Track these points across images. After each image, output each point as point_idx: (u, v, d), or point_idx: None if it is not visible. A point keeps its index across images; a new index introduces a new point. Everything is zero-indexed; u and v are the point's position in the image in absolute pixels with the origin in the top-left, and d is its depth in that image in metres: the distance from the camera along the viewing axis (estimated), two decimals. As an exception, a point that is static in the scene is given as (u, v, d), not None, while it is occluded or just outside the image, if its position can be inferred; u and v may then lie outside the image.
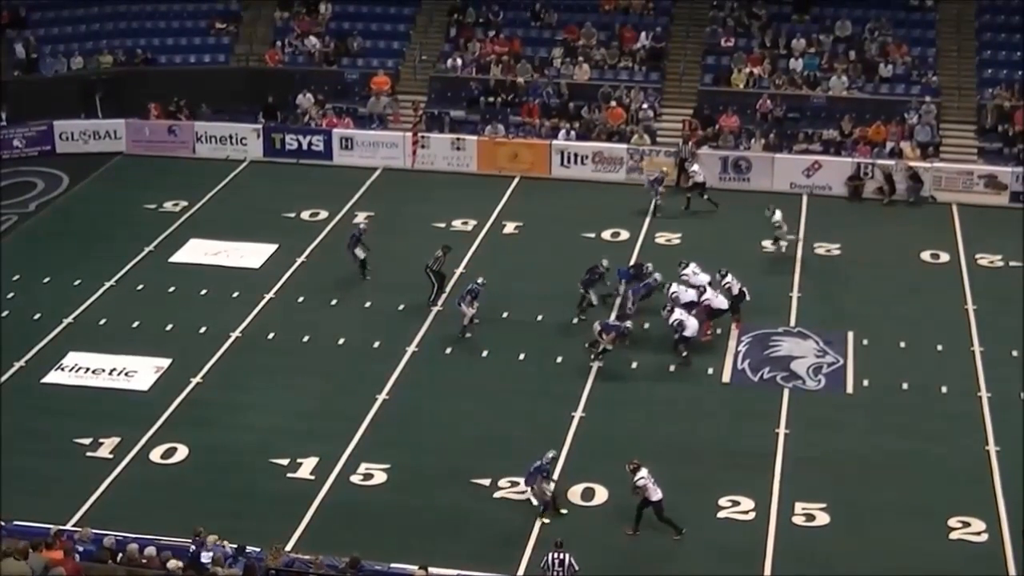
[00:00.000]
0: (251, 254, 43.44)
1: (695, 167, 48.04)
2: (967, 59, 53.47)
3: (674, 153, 49.89)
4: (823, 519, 30.09)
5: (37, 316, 39.03)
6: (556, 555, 26.78)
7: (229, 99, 53.95)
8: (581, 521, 29.76)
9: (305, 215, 46.53)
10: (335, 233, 44.98)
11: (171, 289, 41.04)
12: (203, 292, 40.75)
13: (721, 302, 37.91)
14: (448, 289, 40.35)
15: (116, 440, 33.01)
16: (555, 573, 26.68)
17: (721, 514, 30.33)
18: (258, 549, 26.44)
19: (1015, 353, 36.99)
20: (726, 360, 36.89)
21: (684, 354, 36.42)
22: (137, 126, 52.90)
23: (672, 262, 41.57)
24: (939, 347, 37.01)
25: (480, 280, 38.45)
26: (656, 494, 29.15)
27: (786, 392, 35.37)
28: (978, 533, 29.60)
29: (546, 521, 29.93)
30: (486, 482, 31.34)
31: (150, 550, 25.84)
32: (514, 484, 31.16)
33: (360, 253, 40.94)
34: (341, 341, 37.83)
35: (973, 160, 49.71)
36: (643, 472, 29.28)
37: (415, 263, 40.30)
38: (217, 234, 44.64)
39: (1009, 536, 29.37)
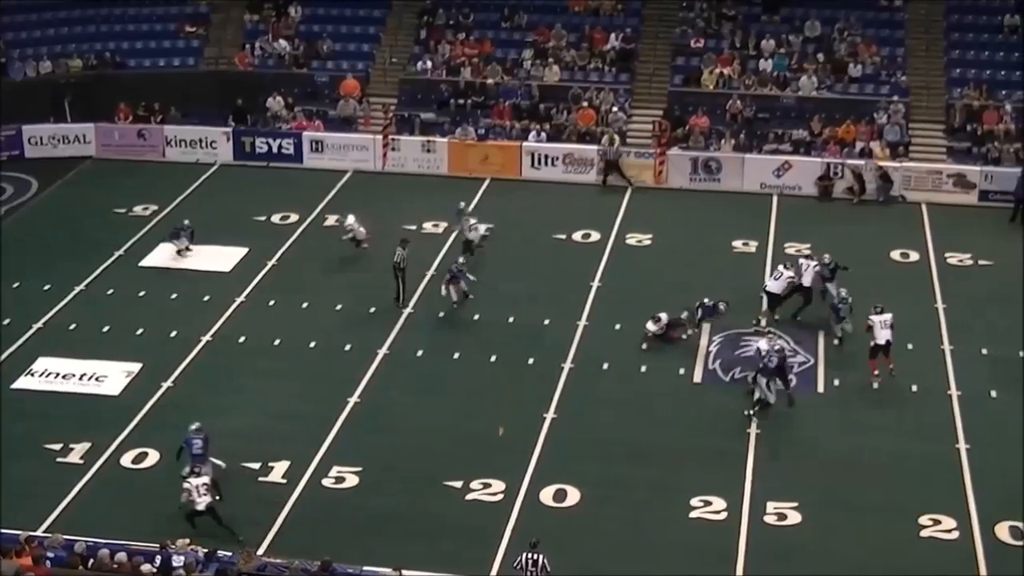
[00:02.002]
0: (221, 257, 43.32)
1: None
2: (936, 59, 53.71)
3: (600, 154, 50.00)
4: (795, 518, 30.13)
5: (6, 322, 38.85)
6: (530, 555, 26.76)
7: (199, 102, 53.80)
8: (554, 522, 29.75)
9: (276, 218, 46.45)
10: (306, 236, 45.00)
11: (141, 293, 40.92)
12: (173, 296, 40.64)
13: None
14: (418, 289, 40.38)
15: (87, 445, 32.86)
16: (528, 573, 26.68)
17: (693, 514, 30.32)
18: (230, 553, 26.38)
19: (985, 351, 37.14)
20: (697, 360, 36.92)
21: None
22: (107, 130, 52.74)
23: (643, 263, 41.81)
24: (909, 346, 37.09)
25: (460, 260, 39.66)
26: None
27: (757, 391, 35.40)
28: (949, 531, 29.68)
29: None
30: (458, 484, 31.30)
31: (121, 556, 25.78)
32: (486, 486, 31.16)
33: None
34: (312, 344, 37.77)
35: (942, 159, 49.91)
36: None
37: (385, 266, 40.26)
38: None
39: (979, 533, 29.47)
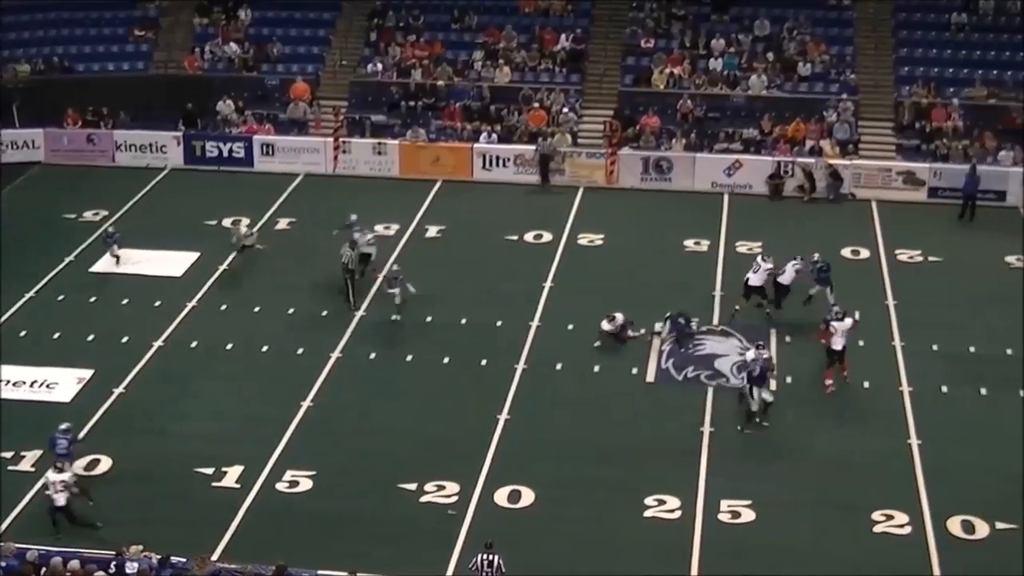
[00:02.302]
0: (173, 262, 43.14)
1: None
2: (884, 57, 54.03)
3: (536, 149, 50.21)
4: (749, 516, 30.24)
5: (-43, 328, 38.66)
6: (485, 556, 26.78)
7: (148, 107, 53.56)
8: (508, 524, 29.76)
9: (227, 222, 46.20)
10: (257, 239, 44.75)
11: (92, 299, 40.71)
12: (124, 301, 40.44)
13: None
14: (370, 292, 40.38)
15: (38, 453, 32.58)
16: (484, 574, 26.72)
17: (648, 513, 30.41)
18: (184, 559, 26.29)
19: (935, 347, 37.37)
20: (650, 359, 37.02)
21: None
22: (55, 135, 52.43)
23: (596, 263, 41.96)
24: (860, 343, 37.25)
25: (395, 267, 39.83)
26: None
27: (710, 390, 35.56)
28: (901, 526, 29.87)
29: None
30: (412, 486, 31.27)
31: (74, 563, 25.73)
32: (440, 488, 31.15)
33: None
34: (265, 348, 37.67)
35: (891, 157, 50.20)
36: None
37: (337, 269, 40.20)
38: (138, 243, 44.17)
39: (932, 528, 29.66)
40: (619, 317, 37.65)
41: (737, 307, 38.87)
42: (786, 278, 38.81)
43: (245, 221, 43.59)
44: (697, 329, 38.14)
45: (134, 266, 42.84)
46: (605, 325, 37.62)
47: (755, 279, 38.79)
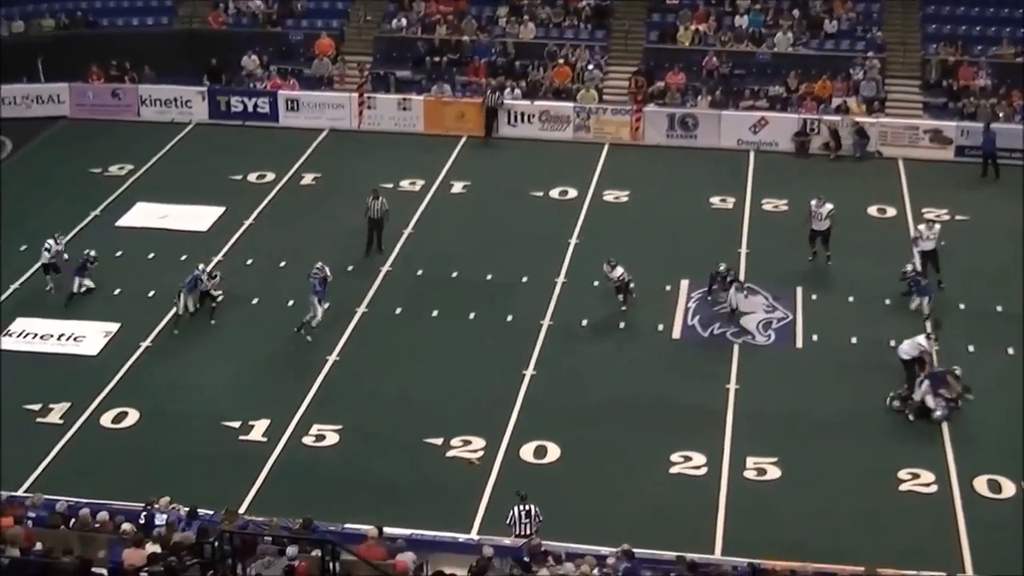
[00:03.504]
0: (198, 217, 43.19)
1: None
2: (911, 14, 53.69)
3: (482, 101, 50.32)
4: (775, 473, 30.27)
5: (-18, 283, 38.75)
6: (522, 507, 26.84)
7: (173, 61, 53.49)
8: (535, 479, 29.78)
9: (252, 177, 46.31)
10: (282, 195, 44.90)
11: (118, 253, 40.75)
12: (151, 256, 40.51)
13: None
14: (395, 247, 40.40)
15: (66, 406, 32.81)
16: (523, 525, 26.74)
17: (673, 470, 30.45)
18: (211, 512, 26.36)
19: (962, 306, 37.24)
20: (676, 316, 36.98)
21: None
22: (80, 90, 52.42)
23: (621, 220, 41.91)
24: (887, 301, 37.20)
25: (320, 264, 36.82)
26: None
27: (736, 348, 35.54)
28: (927, 484, 29.86)
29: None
30: (438, 441, 31.35)
31: (103, 515, 25.73)
32: (466, 443, 31.24)
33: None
34: (291, 303, 37.62)
35: (918, 115, 49.95)
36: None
37: (362, 224, 40.23)
38: (164, 197, 44.38)
39: (957, 486, 29.65)
40: (619, 270, 37.08)
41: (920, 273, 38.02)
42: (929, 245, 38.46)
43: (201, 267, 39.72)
44: (733, 283, 37.21)
45: (160, 220, 42.89)
46: (605, 268, 37.24)
47: (927, 245, 38.35)
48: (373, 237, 40.33)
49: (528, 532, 26.59)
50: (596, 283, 38.35)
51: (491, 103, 49.93)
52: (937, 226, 38.66)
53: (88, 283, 38.19)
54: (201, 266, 37.42)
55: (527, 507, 26.82)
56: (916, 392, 32.52)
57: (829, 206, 39.09)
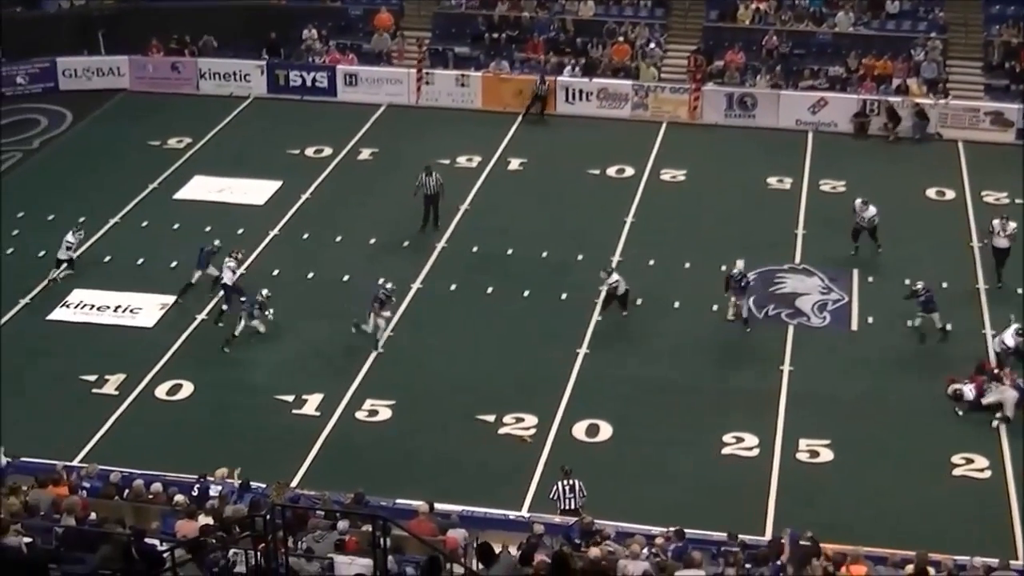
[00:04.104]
0: (255, 191, 43.37)
1: None
2: (974, -5, 53.21)
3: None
4: (827, 455, 30.20)
5: (41, 254, 38.89)
6: (566, 482, 26.94)
7: (232, 35, 53.65)
8: (586, 457, 29.82)
9: (309, 152, 46.44)
10: (339, 170, 44.99)
11: (175, 226, 40.97)
12: (207, 229, 40.59)
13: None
14: (451, 224, 40.46)
15: (121, 377, 33.07)
16: (568, 500, 26.84)
17: (725, 450, 30.42)
18: (263, 485, 26.52)
19: (1020, 291, 36.91)
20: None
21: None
22: (140, 63, 52.65)
23: (677, 199, 41.80)
24: (944, 284, 36.94)
25: (388, 285, 35.17)
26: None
27: (791, 329, 35.39)
28: (981, 470, 29.72)
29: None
30: (491, 418, 31.43)
31: (156, 486, 25.96)
32: (519, 420, 31.29)
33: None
34: (345, 278, 37.78)
35: (979, 97, 49.51)
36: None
37: (418, 200, 40.27)
38: (221, 171, 44.59)
39: (1011, 472, 29.48)
40: (615, 276, 35.72)
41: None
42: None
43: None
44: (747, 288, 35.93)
45: (217, 194, 43.09)
46: (602, 274, 35.96)
47: (1003, 242, 37.54)
48: (429, 213, 40.38)
49: (572, 507, 26.77)
50: (651, 262, 38.29)
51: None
52: (1013, 224, 37.50)
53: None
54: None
55: (571, 482, 26.94)
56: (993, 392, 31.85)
57: (873, 209, 38.55)
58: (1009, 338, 33.10)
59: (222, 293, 36.15)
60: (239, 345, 34.41)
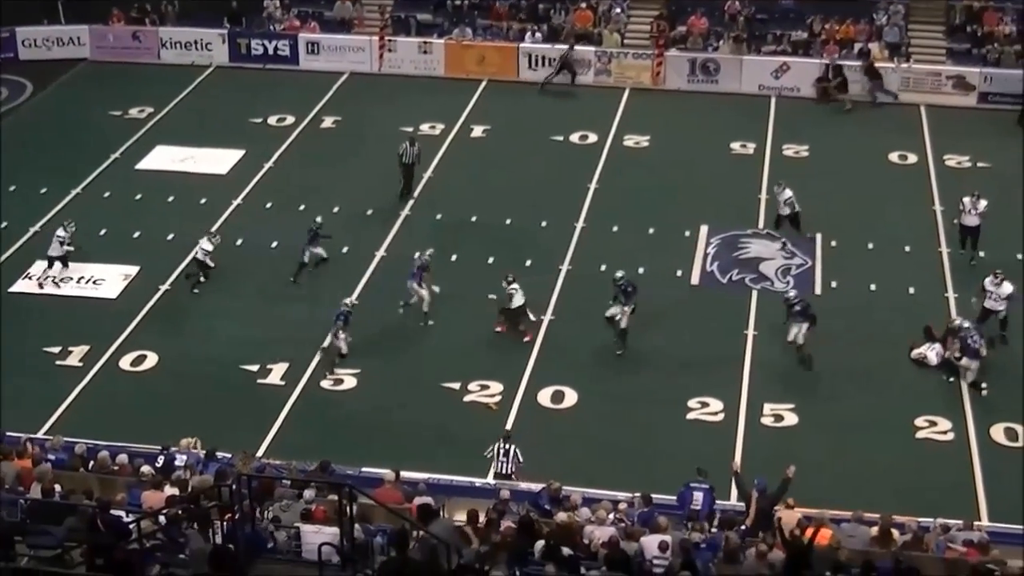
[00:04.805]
0: (218, 160, 43.20)
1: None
2: (936, -42, 53.23)
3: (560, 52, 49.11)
4: (791, 419, 30.36)
5: (3, 225, 38.78)
6: (502, 445, 27.38)
7: (193, 4, 53.32)
8: (552, 423, 29.93)
9: (272, 120, 46.27)
10: (302, 138, 44.86)
11: (138, 196, 40.81)
12: (170, 199, 40.50)
13: None
14: (415, 192, 40.44)
15: (85, 348, 32.99)
16: (500, 463, 27.33)
17: (690, 415, 30.54)
18: (229, 455, 26.49)
19: (982, 254, 36.95)
20: (695, 262, 36.93)
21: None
22: (101, 32, 52.29)
23: (641, 165, 41.83)
24: (907, 248, 37.11)
25: (429, 253, 35.01)
26: None
27: (755, 294, 35.50)
28: (944, 432, 29.92)
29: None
30: (456, 386, 31.47)
31: (122, 457, 25.95)
32: (484, 388, 31.36)
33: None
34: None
35: (941, 61, 49.60)
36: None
37: (382, 168, 40.23)
38: (183, 140, 44.37)
39: (975, 435, 29.68)
40: (514, 286, 33.78)
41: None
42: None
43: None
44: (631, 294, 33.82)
45: (180, 163, 42.91)
46: (503, 284, 33.92)
47: (973, 220, 36.94)
48: (405, 180, 40.26)
49: (504, 471, 27.28)
50: (615, 228, 38.36)
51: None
52: (984, 202, 36.89)
53: (320, 252, 36.40)
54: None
55: (508, 447, 27.27)
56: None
57: (788, 192, 38.06)
58: (1007, 288, 33.05)
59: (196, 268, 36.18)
60: (205, 314, 34.40)
